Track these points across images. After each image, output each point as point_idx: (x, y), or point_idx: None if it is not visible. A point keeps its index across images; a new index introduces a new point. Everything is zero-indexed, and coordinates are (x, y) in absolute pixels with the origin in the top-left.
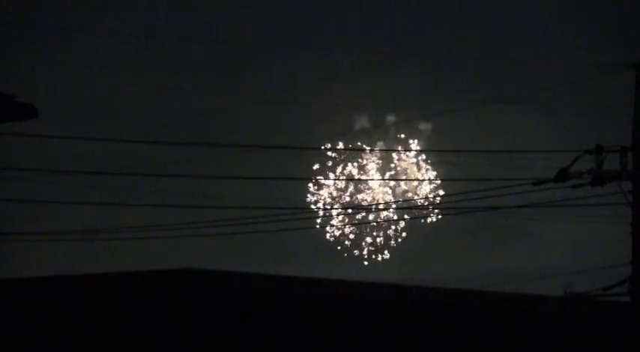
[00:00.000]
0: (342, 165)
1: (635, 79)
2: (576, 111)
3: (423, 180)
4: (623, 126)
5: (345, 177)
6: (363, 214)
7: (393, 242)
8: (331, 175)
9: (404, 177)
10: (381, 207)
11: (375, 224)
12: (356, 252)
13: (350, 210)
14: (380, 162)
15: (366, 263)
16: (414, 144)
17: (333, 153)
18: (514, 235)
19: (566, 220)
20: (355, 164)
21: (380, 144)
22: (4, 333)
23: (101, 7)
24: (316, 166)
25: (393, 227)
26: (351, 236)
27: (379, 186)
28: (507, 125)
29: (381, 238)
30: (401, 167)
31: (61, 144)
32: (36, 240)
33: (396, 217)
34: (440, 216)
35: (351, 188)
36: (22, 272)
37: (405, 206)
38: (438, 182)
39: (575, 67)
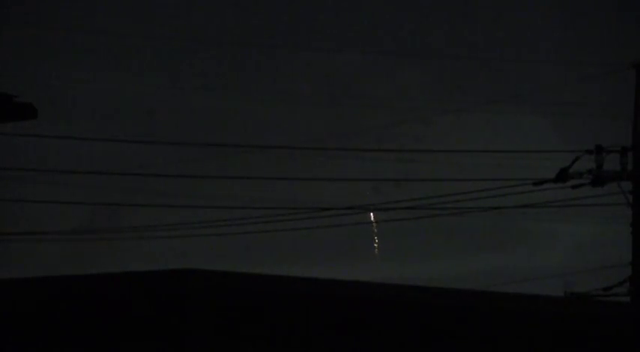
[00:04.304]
0: None
1: (635, 79)
2: (576, 111)
3: (423, 180)
4: (623, 126)
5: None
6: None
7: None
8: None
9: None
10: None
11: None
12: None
13: None
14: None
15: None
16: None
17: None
18: (514, 235)
19: (566, 220)
20: None
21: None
22: (4, 333)
23: (101, 7)
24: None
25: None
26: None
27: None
28: (507, 125)
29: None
30: None
31: (61, 144)
32: (35, 240)
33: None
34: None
35: None
36: (21, 273)
37: (405, 205)
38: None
39: (575, 67)
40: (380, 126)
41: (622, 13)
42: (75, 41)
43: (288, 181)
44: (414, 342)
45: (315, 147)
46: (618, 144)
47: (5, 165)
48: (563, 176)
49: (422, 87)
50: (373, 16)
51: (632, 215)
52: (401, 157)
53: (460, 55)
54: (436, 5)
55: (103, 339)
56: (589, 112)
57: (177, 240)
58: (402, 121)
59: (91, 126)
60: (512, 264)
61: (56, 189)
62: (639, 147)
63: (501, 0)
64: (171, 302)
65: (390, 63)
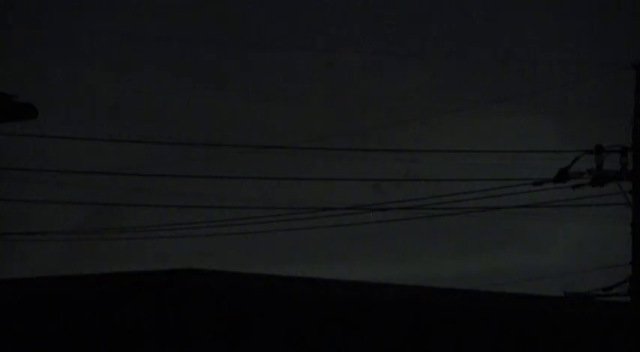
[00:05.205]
0: None
1: (635, 79)
2: (576, 111)
3: (424, 180)
4: (623, 126)
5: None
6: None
7: None
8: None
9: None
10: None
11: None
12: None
13: None
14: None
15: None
16: None
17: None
18: (514, 235)
19: (566, 220)
20: None
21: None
22: (4, 333)
23: (101, 7)
24: None
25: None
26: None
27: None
28: (507, 125)
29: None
30: None
31: (61, 144)
32: (35, 240)
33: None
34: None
35: None
36: (21, 273)
37: (405, 205)
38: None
39: (575, 67)
40: (380, 126)
41: (622, 13)
42: (75, 41)
43: (288, 181)
44: (414, 342)
45: (315, 147)
46: (618, 144)
47: (5, 165)
48: (563, 176)
49: (422, 87)
50: (373, 16)
51: (632, 215)
52: (401, 157)
53: (460, 55)
54: (436, 5)
55: (103, 339)
56: (589, 112)
57: (178, 240)
58: (402, 121)
59: (91, 126)
60: (513, 264)
61: (56, 189)
62: (639, 147)
63: (501, 0)
64: (171, 302)
65: (390, 63)
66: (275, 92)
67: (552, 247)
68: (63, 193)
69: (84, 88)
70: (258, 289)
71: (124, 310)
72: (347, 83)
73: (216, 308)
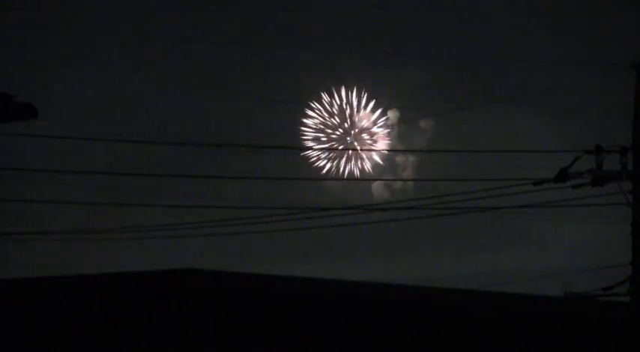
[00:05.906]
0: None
1: (635, 79)
2: (576, 111)
3: (423, 180)
4: (623, 126)
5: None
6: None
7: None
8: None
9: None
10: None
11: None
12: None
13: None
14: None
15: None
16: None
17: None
18: (514, 235)
19: (566, 220)
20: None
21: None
22: (4, 333)
23: (101, 7)
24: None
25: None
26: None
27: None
28: (507, 125)
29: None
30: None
31: (61, 144)
32: (35, 240)
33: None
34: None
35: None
36: (21, 273)
37: (405, 205)
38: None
39: (575, 67)
40: (380, 125)
41: (622, 13)
42: (75, 41)
43: (288, 181)
44: (415, 341)
45: (316, 147)
46: (618, 144)
47: (5, 165)
48: (563, 176)
49: (422, 87)
50: (373, 16)
51: (632, 215)
52: (401, 157)
53: (460, 55)
54: (437, 5)
55: (103, 338)
56: (589, 112)
57: (177, 240)
58: (403, 121)
59: (91, 126)
60: (513, 264)
61: (56, 189)
62: (639, 147)
63: (502, 0)
64: (171, 302)
65: (391, 63)
66: (275, 92)
67: (552, 247)
68: (63, 193)
69: (83, 88)
70: (258, 289)
71: (124, 310)
72: (346, 83)
73: (216, 308)
